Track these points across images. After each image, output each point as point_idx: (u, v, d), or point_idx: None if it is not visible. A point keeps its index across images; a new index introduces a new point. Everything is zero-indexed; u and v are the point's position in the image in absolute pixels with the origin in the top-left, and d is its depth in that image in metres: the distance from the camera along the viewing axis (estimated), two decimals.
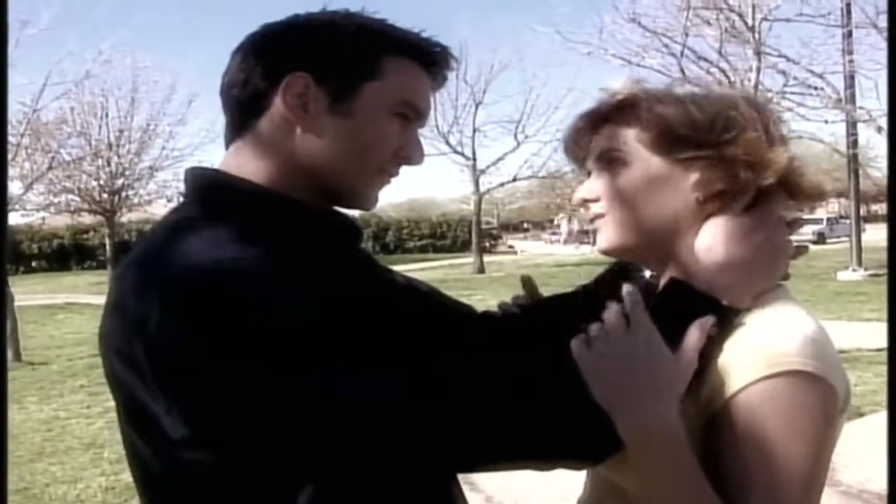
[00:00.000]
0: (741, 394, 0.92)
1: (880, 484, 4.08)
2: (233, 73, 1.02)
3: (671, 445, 0.90)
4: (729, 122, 1.01)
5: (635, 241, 1.05)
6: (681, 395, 0.91)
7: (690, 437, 0.92)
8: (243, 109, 1.02)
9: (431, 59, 1.05)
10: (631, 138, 1.03)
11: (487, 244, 37.80)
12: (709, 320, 0.92)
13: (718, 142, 1.00)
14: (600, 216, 1.07)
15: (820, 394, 0.92)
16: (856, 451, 4.54)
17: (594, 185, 1.07)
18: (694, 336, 0.91)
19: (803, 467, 0.91)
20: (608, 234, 1.06)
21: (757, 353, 0.92)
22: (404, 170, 1.07)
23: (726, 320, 0.96)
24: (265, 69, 1.00)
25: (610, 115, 1.06)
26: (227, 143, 1.05)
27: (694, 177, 1.01)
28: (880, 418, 5.21)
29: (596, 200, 1.07)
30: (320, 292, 0.87)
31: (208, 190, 1.01)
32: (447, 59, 1.06)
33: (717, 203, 1.01)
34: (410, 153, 1.05)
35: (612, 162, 1.05)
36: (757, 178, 1.00)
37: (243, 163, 1.01)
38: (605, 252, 1.09)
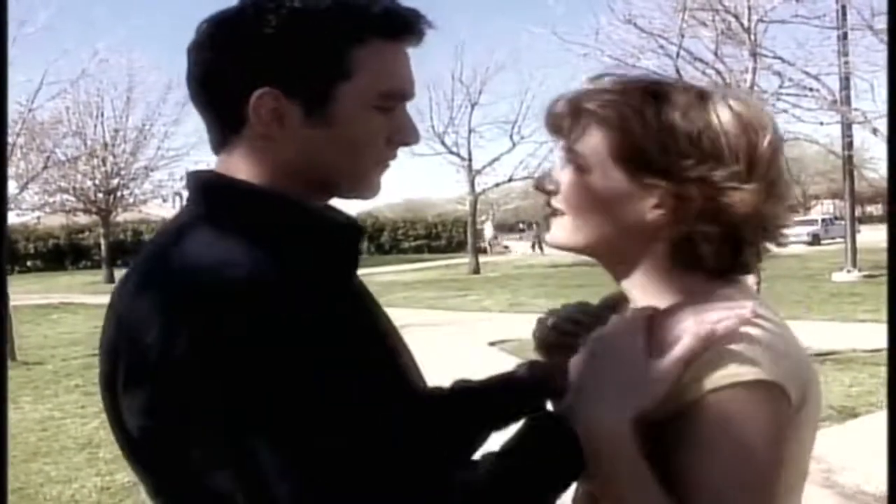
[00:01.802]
0: (698, 402, 0.93)
1: (877, 485, 4.08)
2: (196, 82, 0.98)
3: (616, 447, 0.92)
4: (709, 153, 0.97)
5: (586, 244, 1.06)
6: (645, 407, 0.92)
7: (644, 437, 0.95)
8: (222, 124, 0.98)
9: (400, 29, 0.97)
10: (600, 145, 1.01)
11: (483, 245, 37.75)
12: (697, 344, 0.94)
13: (685, 175, 0.97)
14: (557, 212, 1.07)
15: (772, 399, 0.93)
16: (852, 453, 4.55)
17: (556, 178, 1.06)
18: (681, 353, 0.93)
19: (756, 467, 0.92)
20: (560, 231, 1.07)
21: (712, 364, 0.93)
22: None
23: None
24: (232, 87, 0.94)
25: (589, 110, 1.02)
26: (215, 148, 1.01)
27: (651, 201, 0.99)
28: (876, 419, 5.22)
29: (556, 193, 1.06)
30: (320, 316, 0.86)
31: (212, 192, 0.99)
32: (418, 20, 0.98)
33: (670, 231, 1.00)
34: (404, 137, 1.01)
35: (576, 162, 1.03)
36: (710, 223, 0.98)
37: (239, 167, 0.98)
38: (555, 247, 1.09)
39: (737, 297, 1.00)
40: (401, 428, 0.90)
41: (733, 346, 0.93)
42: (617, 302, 1.15)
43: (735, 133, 0.97)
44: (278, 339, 0.82)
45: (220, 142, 0.99)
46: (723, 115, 0.98)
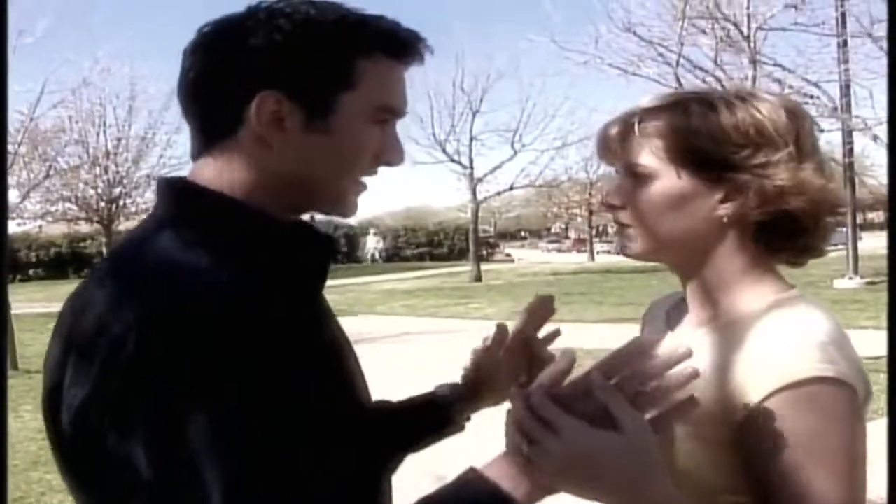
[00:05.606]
0: (763, 405, 0.94)
1: (878, 493, 4.06)
2: (193, 83, 0.98)
3: None
4: (760, 141, 1.02)
5: (658, 250, 1.10)
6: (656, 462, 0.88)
7: (710, 448, 0.96)
8: (214, 127, 0.98)
9: (404, 50, 1.00)
10: (658, 153, 1.05)
11: (484, 252, 37.76)
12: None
13: (744, 165, 1.01)
14: (626, 226, 1.10)
15: (840, 395, 0.94)
16: None
17: (620, 192, 1.10)
18: (621, 410, 0.88)
19: (840, 467, 0.94)
20: (632, 243, 1.10)
21: (772, 364, 0.94)
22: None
23: (738, 326, 0.99)
24: (233, 86, 0.94)
25: (641, 123, 1.07)
26: (195, 154, 1.01)
27: (718, 195, 1.04)
28: (877, 426, 5.20)
29: (622, 208, 1.09)
30: (264, 331, 0.86)
31: (181, 200, 0.99)
32: (420, 42, 1.01)
33: (742, 224, 1.05)
34: (390, 157, 1.03)
35: (638, 174, 1.07)
36: (780, 205, 1.02)
37: (216, 175, 0.97)
38: (629, 257, 1.12)
39: (799, 303, 1.05)
40: (332, 440, 0.91)
41: (809, 345, 0.95)
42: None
43: (779, 119, 1.03)
44: (214, 351, 0.81)
45: (207, 145, 0.99)
46: (763, 106, 1.04)
